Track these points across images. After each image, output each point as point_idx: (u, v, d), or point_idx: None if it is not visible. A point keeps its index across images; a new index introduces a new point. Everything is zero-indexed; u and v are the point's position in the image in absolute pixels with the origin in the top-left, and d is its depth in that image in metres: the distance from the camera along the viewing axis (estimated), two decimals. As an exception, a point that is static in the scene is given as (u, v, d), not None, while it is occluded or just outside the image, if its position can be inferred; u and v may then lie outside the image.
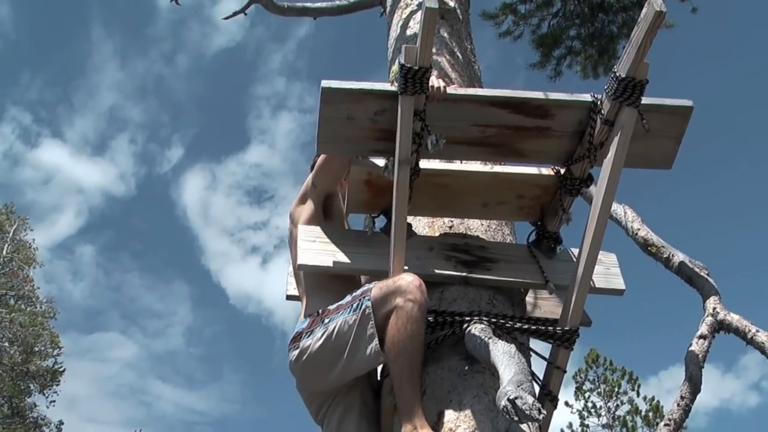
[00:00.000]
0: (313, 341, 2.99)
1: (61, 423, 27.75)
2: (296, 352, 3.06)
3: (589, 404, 26.62)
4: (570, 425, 26.39)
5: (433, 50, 4.11)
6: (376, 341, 2.80)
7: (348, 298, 2.99)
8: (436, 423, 2.72)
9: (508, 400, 2.31)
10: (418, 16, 4.25)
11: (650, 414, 25.03)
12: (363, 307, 2.85)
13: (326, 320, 3.00)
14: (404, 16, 5.44)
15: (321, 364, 3.00)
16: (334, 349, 2.93)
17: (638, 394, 25.92)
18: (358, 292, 2.96)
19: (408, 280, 2.80)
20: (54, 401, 27.43)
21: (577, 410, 26.64)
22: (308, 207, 3.37)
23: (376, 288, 2.87)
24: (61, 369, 27.36)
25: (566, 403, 26.11)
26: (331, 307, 3.04)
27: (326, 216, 3.38)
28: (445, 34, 5.13)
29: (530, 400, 2.30)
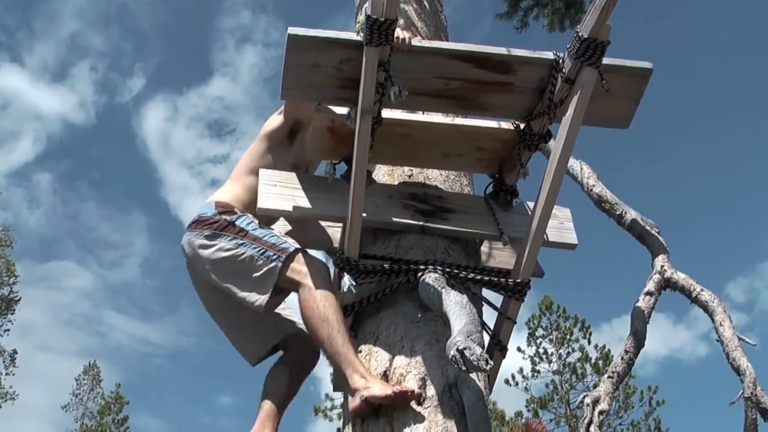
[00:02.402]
0: (215, 249, 3.16)
1: (15, 352, 27.73)
2: (197, 242, 3.22)
3: (541, 350, 27.02)
4: (521, 370, 26.81)
5: (401, -1, 4.11)
6: (266, 297, 3.04)
7: (269, 237, 3.12)
8: (387, 368, 2.80)
9: (457, 350, 2.39)
10: (388, -37, 4.24)
11: (600, 362, 25.47)
12: (275, 264, 3.03)
13: (240, 241, 3.14)
14: (374, -39, 5.39)
15: (211, 271, 3.19)
16: (230, 271, 3.14)
17: (589, 342, 26.34)
18: (280, 244, 3.09)
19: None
20: (8, 330, 27.38)
21: (529, 356, 27.03)
22: (278, 119, 3.50)
23: (297, 265, 3.03)
24: (17, 298, 27.25)
25: (518, 349, 26.50)
26: (249, 229, 3.16)
27: (290, 139, 3.47)
28: (414, -18, 5.11)
29: (478, 351, 2.38)
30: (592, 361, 25.81)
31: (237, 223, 3.19)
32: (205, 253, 3.18)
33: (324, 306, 2.89)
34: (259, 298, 3.07)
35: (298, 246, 3.09)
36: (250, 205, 3.25)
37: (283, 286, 3.05)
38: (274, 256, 3.04)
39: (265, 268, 3.05)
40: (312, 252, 3.18)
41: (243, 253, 3.10)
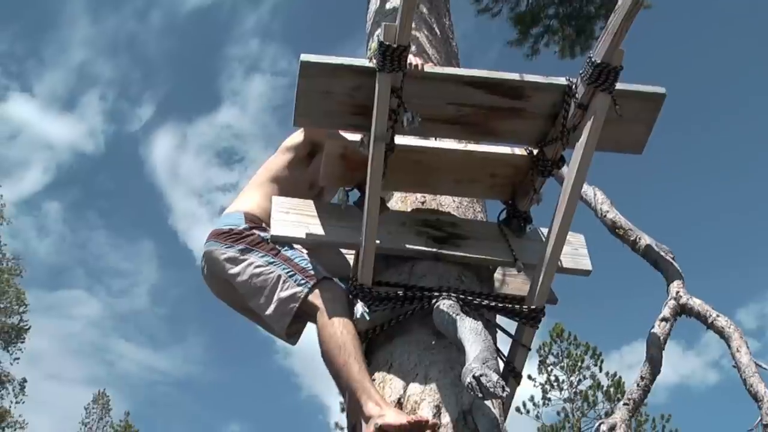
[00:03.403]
0: (245, 265, 3.18)
1: (24, 381, 27.71)
2: (227, 255, 3.24)
3: (552, 378, 26.90)
4: (532, 398, 26.68)
5: (412, 26, 4.14)
6: (288, 320, 3.09)
7: (299, 260, 3.13)
8: (402, 396, 2.78)
9: (474, 377, 2.37)
10: (399, -10, 4.25)
11: (611, 389, 25.33)
12: (302, 290, 3.05)
13: (271, 259, 3.16)
14: (384, -12, 5.43)
15: (238, 286, 3.22)
16: (257, 288, 3.15)
17: (600, 370, 26.21)
18: (309, 269, 3.10)
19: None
20: (18, 358, 27.39)
21: (540, 384, 26.92)
22: (300, 136, 3.55)
23: (319, 291, 3.04)
24: (27, 327, 27.28)
25: (529, 377, 26.34)
26: (281, 248, 3.18)
27: (309, 158, 3.53)
28: (425, 10, 5.15)
29: (495, 377, 2.36)
30: (604, 388, 25.65)
31: (270, 240, 3.21)
32: (235, 268, 3.20)
33: (342, 332, 2.89)
34: (280, 320, 3.11)
35: (326, 274, 3.11)
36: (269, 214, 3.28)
37: (304, 310, 3.06)
38: (302, 281, 3.06)
39: (290, 291, 3.06)
40: None
41: (272, 272, 3.12)
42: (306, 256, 3.17)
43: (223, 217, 3.42)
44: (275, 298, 3.09)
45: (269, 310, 3.13)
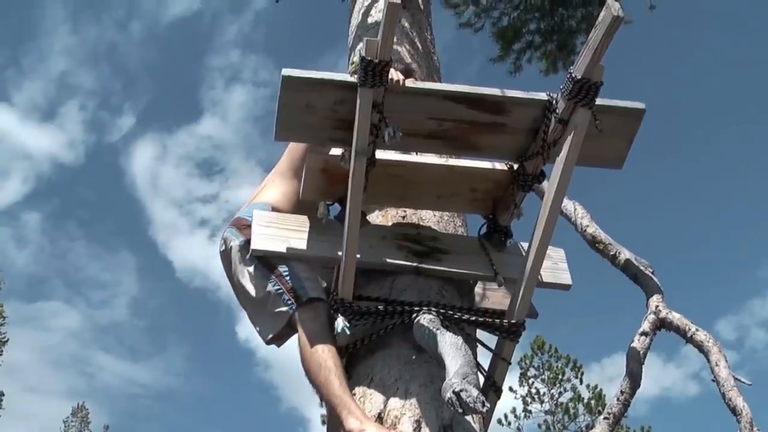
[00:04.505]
0: (245, 275, 3.24)
1: (1, 394, 27.50)
2: (235, 252, 3.30)
3: (533, 390, 26.96)
4: (513, 410, 26.70)
5: (394, 40, 4.15)
6: (272, 335, 3.16)
7: (289, 278, 3.11)
8: (382, 410, 2.77)
9: (454, 392, 2.37)
10: (380, 3, 4.26)
11: (592, 402, 25.40)
12: (287, 310, 3.07)
13: (267, 274, 3.16)
14: (366, 3, 5.44)
15: (234, 287, 3.34)
16: (250, 299, 3.22)
17: (581, 382, 26.29)
18: (297, 289, 3.09)
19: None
20: (-4, 372, 27.13)
21: (521, 396, 26.96)
22: None
23: (303, 310, 3.04)
24: (5, 339, 27.07)
25: (510, 389, 26.39)
26: (279, 265, 3.16)
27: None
28: (406, 24, 5.16)
29: (475, 393, 2.36)
30: (585, 401, 25.71)
31: (250, 255, 3.23)
32: (238, 268, 3.27)
33: (322, 351, 2.90)
34: (266, 335, 3.18)
35: (311, 295, 3.08)
36: (297, 205, 3.39)
37: (290, 324, 3.09)
38: (289, 301, 3.07)
39: (277, 309, 3.09)
40: None
41: (264, 287, 3.14)
42: (296, 273, 3.15)
43: (252, 206, 3.42)
44: (264, 311, 3.15)
45: (256, 323, 3.23)
